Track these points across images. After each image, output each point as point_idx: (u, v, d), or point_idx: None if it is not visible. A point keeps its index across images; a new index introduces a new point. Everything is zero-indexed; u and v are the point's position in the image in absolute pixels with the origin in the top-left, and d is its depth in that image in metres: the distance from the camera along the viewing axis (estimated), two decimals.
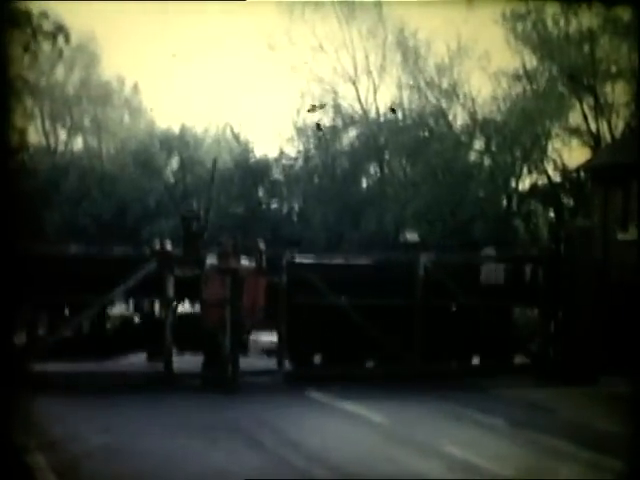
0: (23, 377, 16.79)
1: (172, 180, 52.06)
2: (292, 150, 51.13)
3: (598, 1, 36.67)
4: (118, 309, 22.59)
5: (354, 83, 50.22)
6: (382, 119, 49.26)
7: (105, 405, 16.65)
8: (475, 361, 21.74)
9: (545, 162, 45.09)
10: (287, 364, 20.15)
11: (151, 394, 17.73)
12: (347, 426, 15.06)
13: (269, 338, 21.51)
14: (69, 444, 13.14)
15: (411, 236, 24.57)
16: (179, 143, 52.18)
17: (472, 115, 46.40)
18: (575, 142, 44.05)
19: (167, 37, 66.98)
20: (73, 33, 34.02)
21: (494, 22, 43.21)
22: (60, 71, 53.02)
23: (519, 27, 43.34)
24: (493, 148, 45.54)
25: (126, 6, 41.21)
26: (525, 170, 45.71)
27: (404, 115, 48.15)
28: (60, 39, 25.75)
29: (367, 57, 49.86)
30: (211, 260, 19.59)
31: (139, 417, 15.60)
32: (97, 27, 50.74)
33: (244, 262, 19.66)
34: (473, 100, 46.48)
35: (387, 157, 49.87)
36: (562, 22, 42.65)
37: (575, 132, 43.73)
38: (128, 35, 67.12)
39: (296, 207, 51.60)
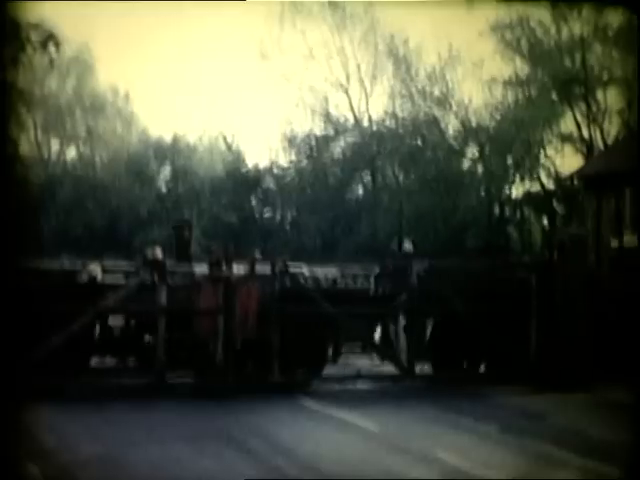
0: (15, 387, 16.71)
1: (164, 189, 52.04)
2: (284, 159, 51.23)
3: (596, 2, 36.56)
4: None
5: (346, 91, 50.31)
6: (375, 127, 49.31)
7: (98, 414, 16.57)
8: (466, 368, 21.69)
9: (538, 169, 45.19)
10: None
11: (144, 403, 17.64)
12: (340, 434, 15.01)
13: None
14: (61, 453, 13.09)
15: (405, 244, 24.50)
16: (172, 152, 52.17)
17: (465, 123, 46.44)
18: (568, 149, 44.19)
19: (160, 48, 67.10)
20: (67, 43, 33.96)
21: (486, 30, 43.33)
22: (53, 81, 52.96)
23: (510, 35, 43.42)
24: (486, 156, 45.59)
25: (120, 16, 41.35)
26: (518, 177, 45.81)
27: (397, 123, 48.19)
28: (51, 47, 25.68)
29: (359, 65, 49.98)
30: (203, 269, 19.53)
31: (131, 426, 15.53)
32: (91, 37, 50.75)
33: (237, 270, 19.58)
34: (466, 108, 46.56)
35: (380, 165, 49.90)
36: (553, 29, 42.78)
37: (568, 139, 43.82)
38: (122, 45, 67.18)
39: (289, 216, 51.61)
